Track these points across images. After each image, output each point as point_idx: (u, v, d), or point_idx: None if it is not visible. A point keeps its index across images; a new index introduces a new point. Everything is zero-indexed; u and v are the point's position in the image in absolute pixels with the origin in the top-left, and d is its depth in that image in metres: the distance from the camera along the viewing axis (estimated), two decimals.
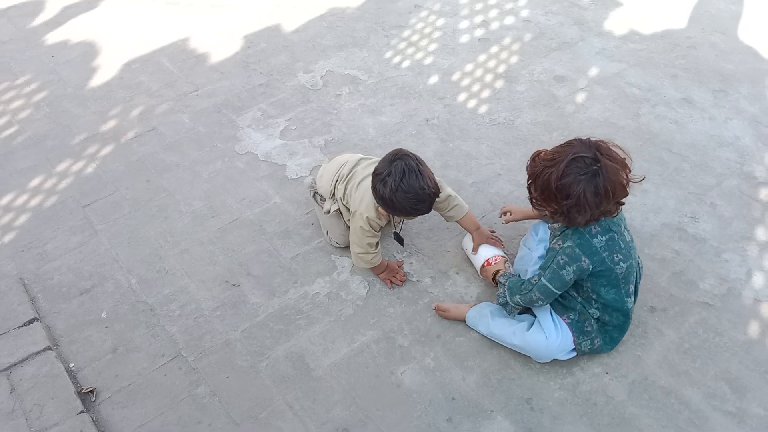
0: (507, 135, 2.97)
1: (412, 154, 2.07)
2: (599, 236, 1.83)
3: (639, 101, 3.13)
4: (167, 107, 3.28)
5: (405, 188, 2.00)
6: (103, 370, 2.13)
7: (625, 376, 2.03)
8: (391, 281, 2.32)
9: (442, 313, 2.22)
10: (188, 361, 2.14)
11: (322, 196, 2.46)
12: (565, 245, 1.85)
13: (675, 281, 2.29)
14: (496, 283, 2.16)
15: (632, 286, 1.97)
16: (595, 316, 1.98)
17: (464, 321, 2.19)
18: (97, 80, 3.50)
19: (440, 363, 2.09)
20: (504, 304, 2.07)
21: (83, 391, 2.06)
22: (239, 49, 3.69)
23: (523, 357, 2.08)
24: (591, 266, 1.84)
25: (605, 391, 1.99)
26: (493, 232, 2.42)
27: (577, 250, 1.82)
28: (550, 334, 1.98)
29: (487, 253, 2.29)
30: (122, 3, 4.19)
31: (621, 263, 1.86)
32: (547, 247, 2.21)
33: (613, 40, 3.58)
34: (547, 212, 1.84)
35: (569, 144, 1.78)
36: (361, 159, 2.35)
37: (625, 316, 1.98)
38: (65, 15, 4.09)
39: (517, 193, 2.66)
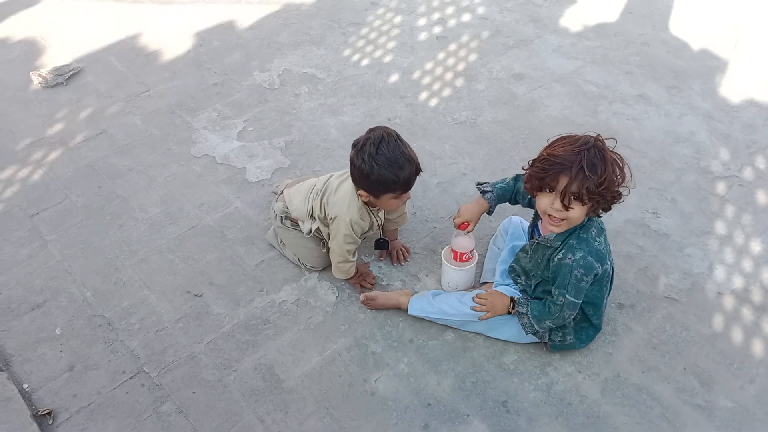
0: (469, 134, 2.96)
1: (390, 128, 2.03)
2: (599, 238, 1.86)
3: (596, 98, 3.17)
4: (117, 109, 3.14)
5: (384, 152, 1.94)
6: (60, 390, 2.01)
7: (598, 374, 2.04)
8: (360, 285, 2.28)
9: (370, 303, 2.20)
10: (151, 377, 2.04)
11: (294, 222, 2.30)
12: (576, 257, 1.82)
13: (641, 277, 2.32)
14: (510, 311, 2.06)
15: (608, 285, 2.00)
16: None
17: (399, 308, 2.18)
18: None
19: (414, 368, 2.05)
20: (534, 333, 2.03)
21: (39, 413, 1.94)
22: (191, 47, 3.56)
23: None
24: (601, 270, 1.86)
25: (579, 390, 2.00)
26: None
27: (589, 258, 1.82)
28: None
29: (464, 245, 2.16)
30: None
31: (609, 261, 1.93)
32: (515, 245, 2.21)
33: (568, 38, 3.61)
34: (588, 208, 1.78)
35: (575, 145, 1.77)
36: (332, 173, 2.25)
37: (598, 312, 2.01)
38: (4, 11, 3.88)
39: None
